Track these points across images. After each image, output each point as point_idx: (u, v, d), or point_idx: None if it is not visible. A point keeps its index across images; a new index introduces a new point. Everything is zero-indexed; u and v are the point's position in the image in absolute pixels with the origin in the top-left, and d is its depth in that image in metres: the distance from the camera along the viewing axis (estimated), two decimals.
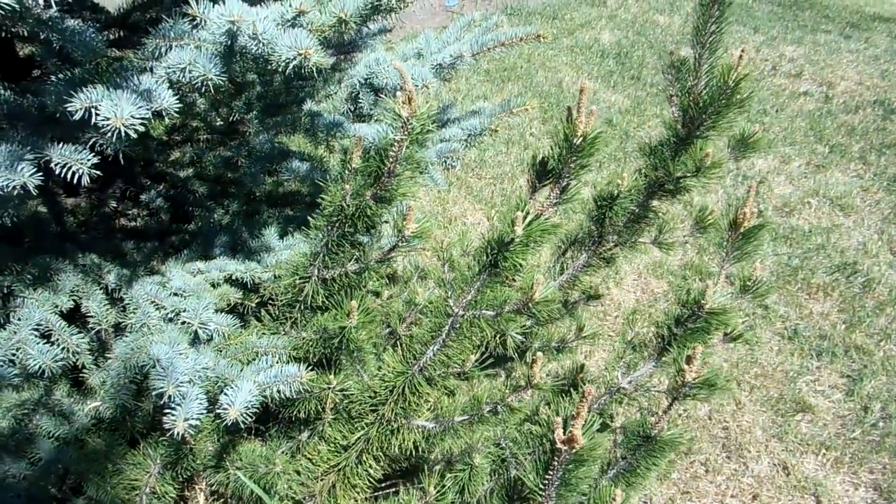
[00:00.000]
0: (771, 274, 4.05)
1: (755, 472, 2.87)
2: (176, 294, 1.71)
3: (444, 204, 4.46)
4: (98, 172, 1.27)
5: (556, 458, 1.13)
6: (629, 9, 8.21)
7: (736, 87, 1.42)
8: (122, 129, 1.15)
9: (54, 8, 1.04)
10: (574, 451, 1.09)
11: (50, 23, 1.25)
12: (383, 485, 1.74)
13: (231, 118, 2.19)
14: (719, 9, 1.36)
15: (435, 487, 1.62)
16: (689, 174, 1.59)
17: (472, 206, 4.49)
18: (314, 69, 1.33)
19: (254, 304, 1.85)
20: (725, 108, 1.45)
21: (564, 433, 1.09)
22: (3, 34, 1.85)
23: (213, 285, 1.80)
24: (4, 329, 1.46)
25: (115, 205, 2.15)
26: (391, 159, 1.42)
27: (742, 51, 1.34)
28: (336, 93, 2.21)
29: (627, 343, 1.67)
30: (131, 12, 2.08)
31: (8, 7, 0.96)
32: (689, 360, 1.35)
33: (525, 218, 1.29)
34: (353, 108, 2.17)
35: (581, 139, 1.47)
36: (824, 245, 4.29)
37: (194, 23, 1.37)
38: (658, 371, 1.65)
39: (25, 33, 1.51)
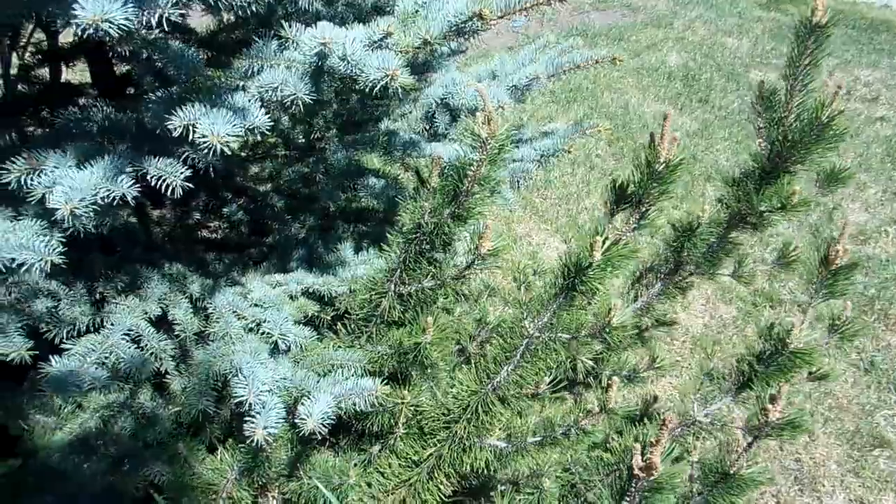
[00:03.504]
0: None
1: None
2: (256, 305, 1.76)
3: (508, 223, 4.46)
4: (189, 185, 1.33)
5: (633, 485, 1.11)
6: (696, 31, 8.09)
7: (829, 123, 1.37)
8: (219, 145, 1.20)
9: (166, 27, 1.09)
10: (653, 478, 1.08)
11: (155, 43, 1.31)
12: (450, 501, 1.74)
13: (312, 135, 2.25)
14: (816, 41, 1.32)
15: None
16: (773, 209, 1.54)
17: (538, 225, 4.48)
18: (399, 89, 1.36)
19: (329, 318, 1.89)
20: (815, 144, 1.40)
21: (642, 460, 1.08)
22: (109, 54, 1.96)
23: (291, 297, 1.84)
24: (98, 333, 1.53)
25: (198, 216, 2.23)
26: (469, 178, 1.44)
27: (839, 87, 1.29)
28: (411, 112, 2.24)
29: (705, 375, 1.63)
30: (218, 33, 2.16)
31: (124, 28, 1.02)
32: (773, 399, 1.32)
33: (604, 242, 1.29)
34: (428, 128, 2.21)
35: (663, 165, 1.46)
36: None
37: (283, 44, 1.42)
38: (735, 405, 1.61)
39: (126, 53, 1.59)
